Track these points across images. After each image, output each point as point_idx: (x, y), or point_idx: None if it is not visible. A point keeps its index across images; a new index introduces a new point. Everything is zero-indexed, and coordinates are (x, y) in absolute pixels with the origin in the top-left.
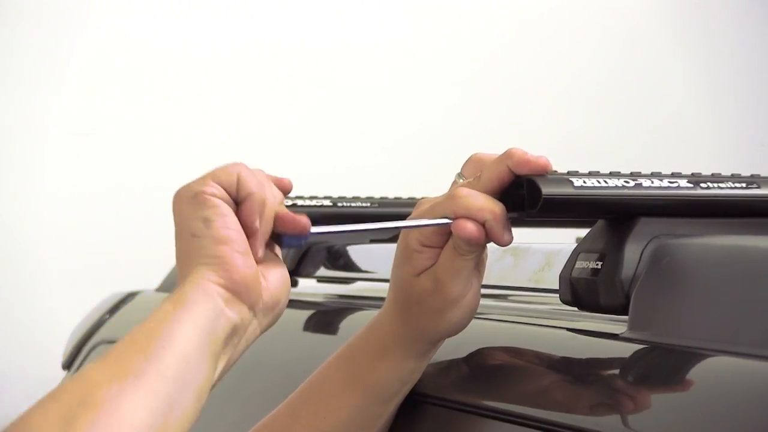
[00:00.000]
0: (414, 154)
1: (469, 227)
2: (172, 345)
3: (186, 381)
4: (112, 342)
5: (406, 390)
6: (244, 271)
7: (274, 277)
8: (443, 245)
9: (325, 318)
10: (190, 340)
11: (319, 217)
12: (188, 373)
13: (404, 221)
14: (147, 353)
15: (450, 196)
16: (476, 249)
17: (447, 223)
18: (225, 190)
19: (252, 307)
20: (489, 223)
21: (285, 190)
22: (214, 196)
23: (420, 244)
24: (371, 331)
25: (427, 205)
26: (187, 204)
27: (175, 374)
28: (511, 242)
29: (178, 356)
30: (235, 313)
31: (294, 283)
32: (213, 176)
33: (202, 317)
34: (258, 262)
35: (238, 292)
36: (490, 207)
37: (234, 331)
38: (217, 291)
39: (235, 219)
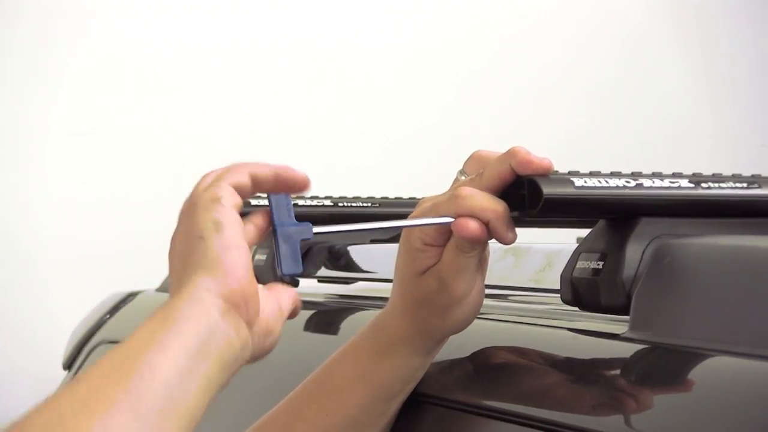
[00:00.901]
0: (414, 154)
1: (471, 226)
2: (152, 375)
3: (166, 412)
4: (112, 342)
5: (409, 389)
6: (245, 281)
7: (270, 306)
8: (445, 243)
9: (325, 318)
10: (174, 367)
11: (321, 217)
12: (170, 403)
13: (406, 220)
14: (123, 384)
15: (452, 196)
16: (478, 246)
17: (448, 222)
18: (240, 194)
19: (249, 324)
20: (492, 223)
21: (300, 188)
22: (229, 202)
23: (422, 243)
24: (376, 329)
25: (428, 204)
26: (201, 206)
27: (152, 407)
28: (514, 240)
29: (157, 388)
30: (231, 328)
31: (295, 284)
32: (230, 179)
33: (193, 338)
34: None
35: (237, 304)
36: (492, 207)
37: (229, 346)
38: (214, 302)
39: (243, 231)
